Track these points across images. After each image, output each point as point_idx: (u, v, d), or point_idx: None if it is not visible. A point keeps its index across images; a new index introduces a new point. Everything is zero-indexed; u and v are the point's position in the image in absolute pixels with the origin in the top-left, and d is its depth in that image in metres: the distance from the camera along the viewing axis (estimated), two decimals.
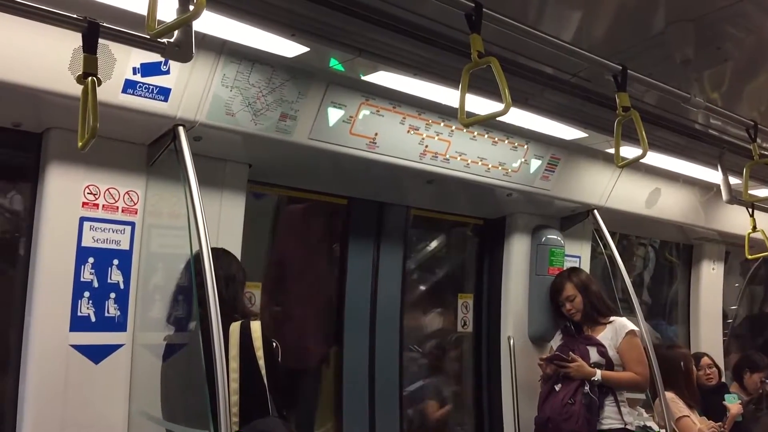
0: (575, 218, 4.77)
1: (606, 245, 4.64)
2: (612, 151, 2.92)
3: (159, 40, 1.99)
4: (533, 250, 4.61)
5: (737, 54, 3.20)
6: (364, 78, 3.13)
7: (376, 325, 4.30)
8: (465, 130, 3.68)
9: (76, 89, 1.92)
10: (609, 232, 4.62)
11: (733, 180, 4.01)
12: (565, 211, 4.73)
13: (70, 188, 2.83)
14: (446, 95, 3.23)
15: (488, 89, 2.53)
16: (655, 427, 4.46)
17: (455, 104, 2.31)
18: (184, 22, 1.84)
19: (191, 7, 1.79)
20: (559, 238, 4.64)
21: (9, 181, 3.04)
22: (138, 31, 1.97)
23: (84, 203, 2.85)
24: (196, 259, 2.67)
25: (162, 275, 3.09)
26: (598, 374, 3.83)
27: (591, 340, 4.03)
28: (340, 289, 4.24)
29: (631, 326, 3.99)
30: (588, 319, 4.11)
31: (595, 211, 4.64)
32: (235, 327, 2.78)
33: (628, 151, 3.14)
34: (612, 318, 4.06)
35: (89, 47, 1.89)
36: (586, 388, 3.82)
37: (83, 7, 1.95)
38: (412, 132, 3.53)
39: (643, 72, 2.89)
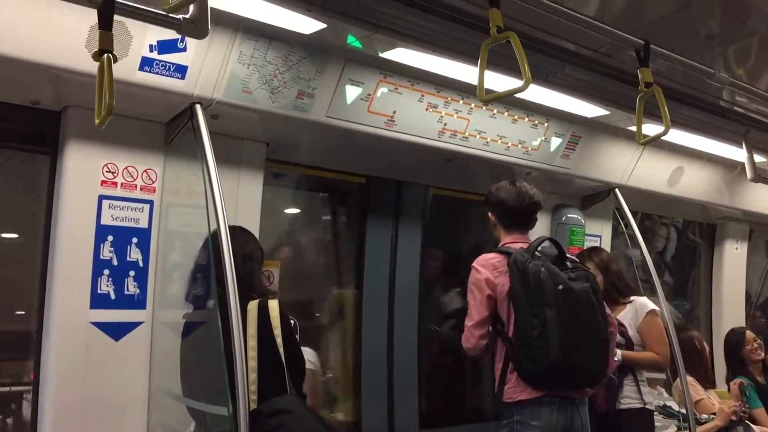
0: (596, 197, 4.73)
1: (627, 224, 4.58)
2: (634, 128, 2.88)
3: (174, 16, 1.98)
4: (553, 229, 4.57)
5: (763, 28, 3.13)
6: (381, 55, 3.10)
7: (395, 304, 4.30)
8: (484, 108, 3.64)
9: (94, 67, 1.91)
10: (630, 211, 4.56)
11: (759, 158, 3.93)
12: (585, 189, 4.68)
13: (89, 166, 2.84)
14: (465, 72, 3.18)
15: (508, 66, 2.49)
16: (675, 406, 4.43)
17: (474, 81, 2.29)
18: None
19: None
20: (579, 217, 4.60)
21: (28, 159, 3.06)
22: (154, 8, 1.97)
23: (103, 181, 2.86)
24: (214, 237, 2.67)
25: (180, 253, 3.10)
26: (618, 354, 3.80)
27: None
28: (358, 268, 4.24)
29: (652, 306, 3.95)
30: (608, 299, 4.05)
31: (617, 189, 4.58)
32: (252, 305, 2.78)
33: (651, 129, 3.08)
34: (632, 297, 4.02)
35: (105, 24, 1.89)
36: None
37: None
38: (430, 110, 3.50)
39: (667, 47, 2.84)
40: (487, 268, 3.11)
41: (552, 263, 3.08)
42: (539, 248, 3.15)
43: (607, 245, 4.84)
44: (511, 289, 3.02)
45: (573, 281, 3.05)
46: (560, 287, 2.97)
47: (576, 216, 4.58)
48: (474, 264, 3.17)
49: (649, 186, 4.78)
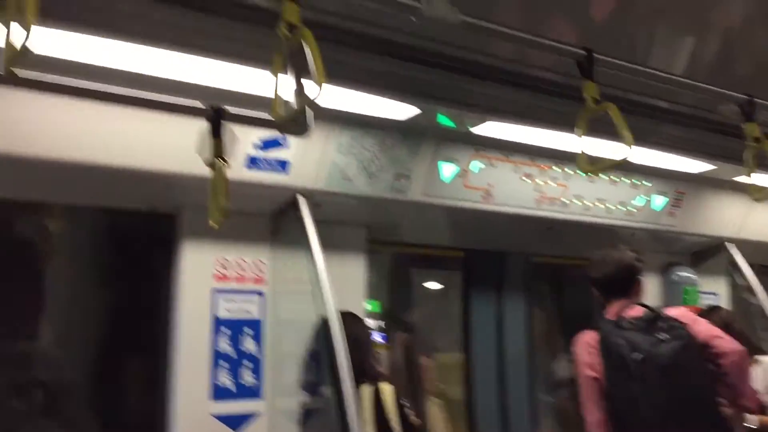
0: (707, 253, 4.54)
1: (744, 278, 4.35)
2: (742, 179, 2.77)
3: None
4: (665, 289, 4.40)
5: None
6: (472, 130, 3.13)
7: (506, 377, 4.22)
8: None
9: (205, 169, 2.02)
10: (747, 263, 4.34)
11: None
12: (695, 246, 4.51)
13: (203, 262, 2.99)
14: (558, 139, 3.16)
15: (602, 129, 2.46)
16: None
17: (568, 148, 2.27)
18: (306, 105, 1.85)
19: (310, 90, 1.80)
20: (691, 275, 4.42)
21: (148, 259, 3.23)
22: (255, 110, 2.05)
23: (216, 276, 2.98)
24: (324, 323, 2.72)
25: (292, 341, 3.16)
26: (754, 419, 3.55)
27: None
28: (465, 343, 4.19)
29: None
30: None
31: (729, 243, 4.38)
32: (366, 390, 2.79)
33: (760, 179, 2.95)
34: (759, 357, 3.77)
35: (215, 132, 2.00)
36: None
37: (197, 91, 2.06)
38: (526, 179, 3.49)
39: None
40: (583, 348, 3.00)
41: (645, 327, 2.94)
42: (639, 316, 3.02)
43: (725, 302, 4.60)
44: (602, 365, 2.92)
45: (663, 343, 2.90)
46: (635, 356, 2.85)
47: (688, 274, 4.41)
48: (572, 347, 3.09)
49: (764, 237, 4.55)
